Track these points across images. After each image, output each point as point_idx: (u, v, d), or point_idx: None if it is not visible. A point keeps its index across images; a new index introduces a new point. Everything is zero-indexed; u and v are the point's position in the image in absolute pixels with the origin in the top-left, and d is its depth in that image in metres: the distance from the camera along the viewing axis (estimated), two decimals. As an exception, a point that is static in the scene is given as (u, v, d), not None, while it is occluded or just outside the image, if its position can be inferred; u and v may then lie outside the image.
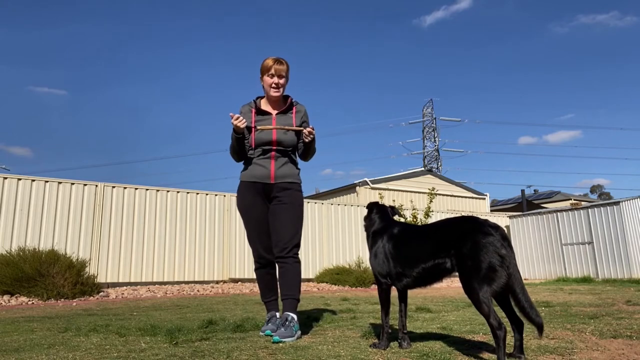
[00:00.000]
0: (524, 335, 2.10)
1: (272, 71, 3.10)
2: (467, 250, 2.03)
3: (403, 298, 2.52)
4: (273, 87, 3.12)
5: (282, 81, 3.15)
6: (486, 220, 2.13)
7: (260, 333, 3.03)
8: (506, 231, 14.02)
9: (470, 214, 13.90)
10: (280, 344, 2.61)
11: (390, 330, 2.49)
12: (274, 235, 3.08)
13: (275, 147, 3.11)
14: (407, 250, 2.35)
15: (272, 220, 3.12)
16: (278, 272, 3.11)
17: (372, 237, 2.60)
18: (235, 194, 3.30)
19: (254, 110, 3.17)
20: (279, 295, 3.18)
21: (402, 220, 11.14)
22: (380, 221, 2.63)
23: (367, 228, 2.69)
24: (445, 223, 2.30)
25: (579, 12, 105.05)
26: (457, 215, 13.66)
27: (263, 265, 3.20)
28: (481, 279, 1.97)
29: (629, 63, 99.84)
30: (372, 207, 2.76)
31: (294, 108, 3.24)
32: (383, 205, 2.76)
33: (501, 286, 1.97)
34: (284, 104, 3.25)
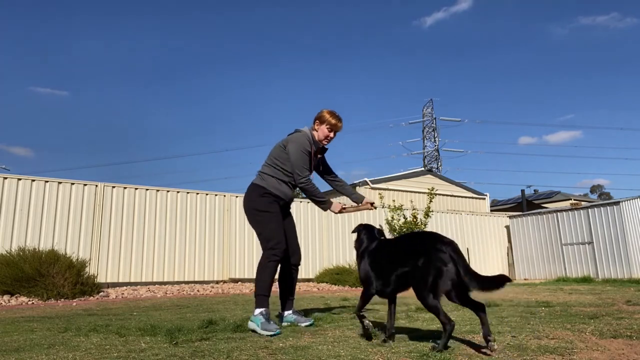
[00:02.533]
0: (487, 315, 2.42)
1: (335, 129, 3.63)
2: (420, 263, 2.44)
3: (392, 300, 2.82)
4: (327, 140, 3.64)
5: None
6: (442, 238, 2.52)
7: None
8: (506, 232, 14.08)
9: (471, 213, 13.91)
10: (280, 344, 2.62)
11: (369, 322, 2.81)
12: (293, 242, 3.59)
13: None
14: (384, 265, 2.72)
15: (288, 231, 3.57)
16: (290, 276, 3.60)
17: (361, 256, 2.90)
18: (237, 194, 3.48)
19: (313, 150, 3.60)
20: (287, 295, 3.61)
21: (402, 220, 11.16)
22: (368, 241, 2.95)
23: (357, 248, 3.01)
24: (412, 238, 2.87)
25: (579, 13, 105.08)
26: (457, 213, 13.67)
27: (281, 259, 3.43)
28: (428, 288, 2.39)
29: (629, 63, 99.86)
30: (361, 228, 3.06)
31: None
32: (370, 227, 3.07)
33: (445, 291, 2.39)
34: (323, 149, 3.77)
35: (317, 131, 3.62)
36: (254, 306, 3.28)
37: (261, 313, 3.17)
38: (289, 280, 3.63)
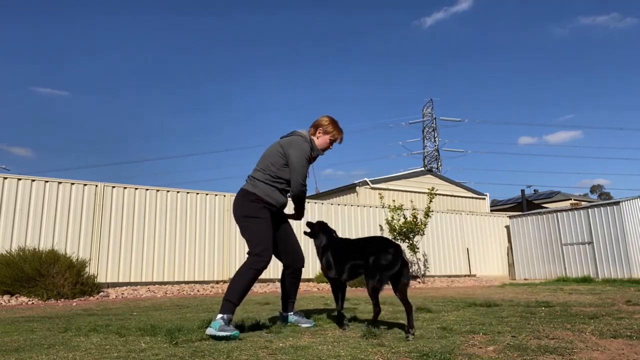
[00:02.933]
0: (413, 315, 2.97)
1: (336, 142, 3.57)
2: (371, 259, 3.09)
3: (342, 289, 3.42)
4: (325, 150, 3.57)
5: None
6: (388, 241, 3.19)
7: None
8: (506, 231, 14.08)
9: (471, 213, 13.91)
10: (280, 344, 2.61)
11: (345, 315, 3.47)
12: (293, 246, 3.57)
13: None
14: (342, 257, 3.35)
15: (285, 236, 3.55)
16: (293, 279, 3.57)
17: (322, 250, 3.47)
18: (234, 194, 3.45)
19: (312, 156, 3.48)
20: (288, 297, 3.58)
21: (402, 220, 11.16)
22: (327, 239, 3.54)
23: (318, 244, 3.55)
24: (365, 240, 3.40)
25: (579, 13, 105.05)
26: (457, 213, 13.67)
27: (263, 269, 3.20)
28: (375, 279, 3.04)
29: (629, 63, 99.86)
30: (319, 228, 3.61)
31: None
32: (327, 226, 3.63)
33: (385, 284, 3.05)
34: None
35: (317, 139, 3.51)
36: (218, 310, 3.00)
37: (222, 318, 2.89)
38: (292, 282, 3.56)
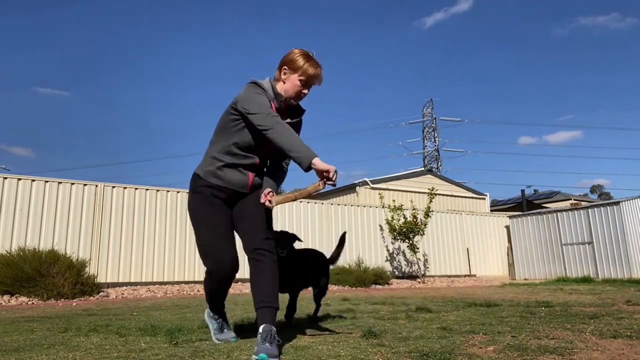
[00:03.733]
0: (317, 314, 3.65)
1: (311, 82, 2.52)
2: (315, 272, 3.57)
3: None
4: (297, 96, 2.54)
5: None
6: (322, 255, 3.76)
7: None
8: (506, 232, 14.07)
9: (471, 213, 13.90)
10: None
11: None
12: (257, 230, 2.63)
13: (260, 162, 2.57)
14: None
15: (252, 218, 2.62)
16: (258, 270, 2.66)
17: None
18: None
19: (274, 106, 2.49)
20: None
21: (402, 220, 11.15)
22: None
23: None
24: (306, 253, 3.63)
25: (580, 13, 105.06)
26: (457, 213, 13.66)
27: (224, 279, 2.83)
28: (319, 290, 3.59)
29: (628, 64, 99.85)
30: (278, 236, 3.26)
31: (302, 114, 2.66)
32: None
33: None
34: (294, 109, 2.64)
35: (283, 82, 2.52)
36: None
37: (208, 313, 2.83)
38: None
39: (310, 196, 2.71)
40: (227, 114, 2.48)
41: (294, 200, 2.37)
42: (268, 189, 2.47)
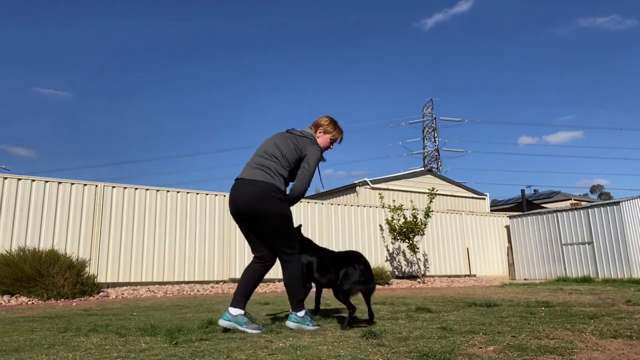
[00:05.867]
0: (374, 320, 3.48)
1: (336, 142, 3.55)
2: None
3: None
4: (325, 150, 3.52)
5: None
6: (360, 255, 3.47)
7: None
8: (506, 232, 14.07)
9: (471, 213, 13.90)
10: (280, 344, 2.61)
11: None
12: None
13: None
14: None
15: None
16: (261, 278, 3.45)
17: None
18: None
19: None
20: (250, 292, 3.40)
21: (402, 220, 11.15)
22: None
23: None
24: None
25: (579, 15, 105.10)
26: (457, 213, 13.66)
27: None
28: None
29: (628, 64, 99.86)
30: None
31: None
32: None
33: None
34: None
35: (317, 138, 3.47)
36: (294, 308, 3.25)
37: (306, 313, 3.25)
38: (259, 279, 3.39)
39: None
40: (294, 149, 3.29)
41: None
42: None
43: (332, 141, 3.53)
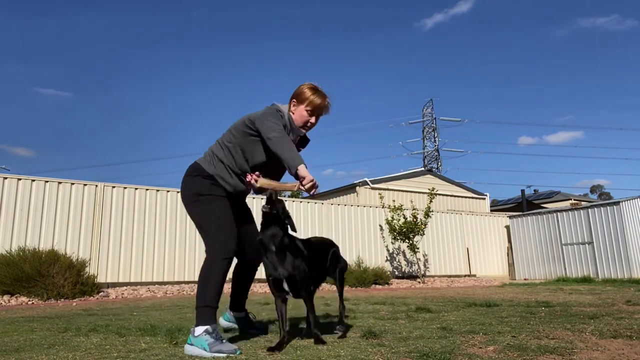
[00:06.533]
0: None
1: (319, 113, 2.74)
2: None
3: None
4: (306, 126, 2.76)
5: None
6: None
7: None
8: (506, 232, 14.07)
9: (471, 213, 13.90)
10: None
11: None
12: (253, 237, 2.74)
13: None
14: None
15: (246, 223, 2.86)
16: (250, 276, 3.02)
17: None
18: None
19: (291, 137, 2.69)
20: (242, 293, 3.06)
21: (402, 220, 11.14)
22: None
23: None
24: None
25: (579, 15, 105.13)
26: (457, 213, 13.66)
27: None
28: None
29: (628, 64, 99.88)
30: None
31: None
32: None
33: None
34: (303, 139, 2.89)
35: (292, 113, 2.73)
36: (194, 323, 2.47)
37: (206, 330, 2.39)
38: (251, 277, 3.03)
39: (295, 193, 3.01)
40: (245, 128, 2.66)
41: (274, 189, 2.53)
42: (257, 172, 2.64)
43: (311, 112, 2.71)
